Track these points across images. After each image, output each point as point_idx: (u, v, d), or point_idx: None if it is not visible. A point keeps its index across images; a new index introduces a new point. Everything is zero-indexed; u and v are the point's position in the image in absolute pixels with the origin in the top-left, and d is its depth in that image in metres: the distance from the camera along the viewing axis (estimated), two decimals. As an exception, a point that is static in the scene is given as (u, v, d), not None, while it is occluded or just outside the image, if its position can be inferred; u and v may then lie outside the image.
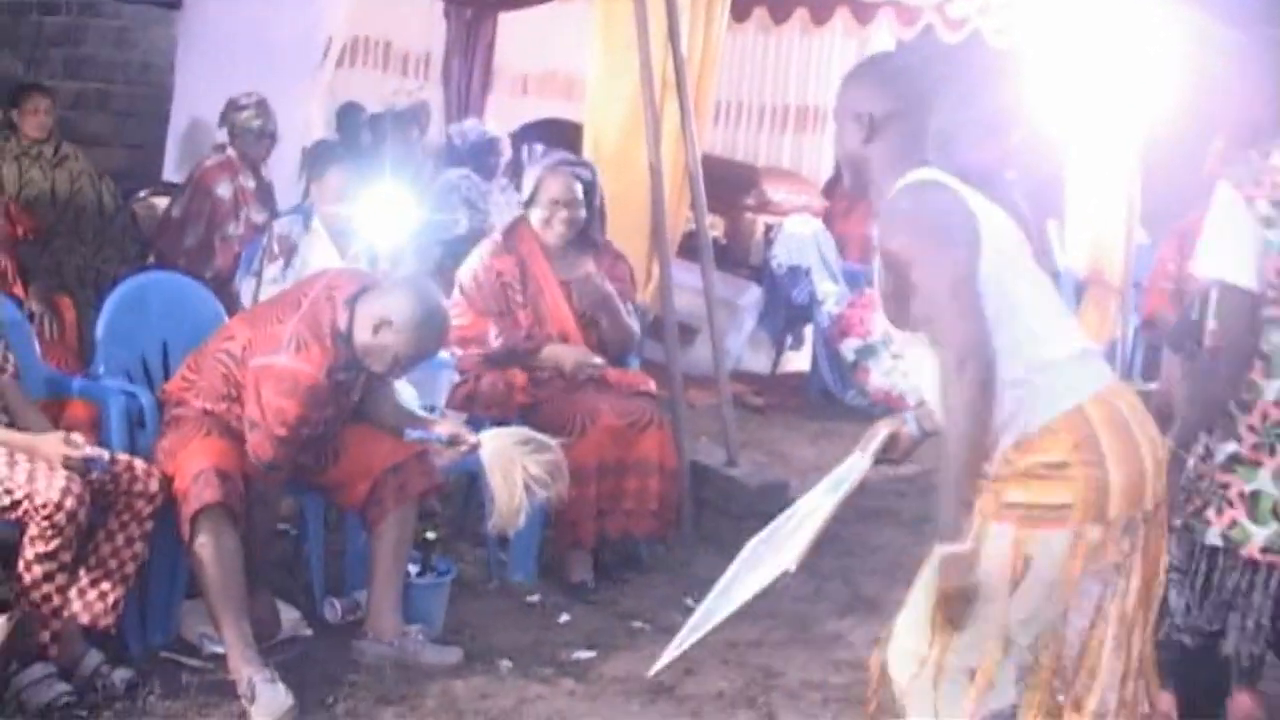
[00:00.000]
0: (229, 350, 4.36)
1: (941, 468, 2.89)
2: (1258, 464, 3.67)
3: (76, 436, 3.97)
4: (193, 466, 4.13)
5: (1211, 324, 3.84)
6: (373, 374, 4.40)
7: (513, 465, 4.41)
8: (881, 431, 3.24)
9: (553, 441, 4.53)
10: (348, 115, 8.18)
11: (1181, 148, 8.97)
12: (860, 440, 3.26)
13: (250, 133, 6.66)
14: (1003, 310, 2.88)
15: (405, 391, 5.06)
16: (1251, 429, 3.68)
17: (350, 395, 4.45)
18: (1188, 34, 8.81)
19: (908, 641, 3.08)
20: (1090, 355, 3.05)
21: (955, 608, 2.91)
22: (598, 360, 5.33)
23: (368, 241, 5.75)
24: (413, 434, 4.52)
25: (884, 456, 3.29)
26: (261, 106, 6.64)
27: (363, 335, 4.26)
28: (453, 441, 4.52)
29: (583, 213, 5.38)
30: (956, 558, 2.86)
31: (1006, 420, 2.89)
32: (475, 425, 4.83)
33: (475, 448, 4.48)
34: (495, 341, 5.28)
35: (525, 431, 4.57)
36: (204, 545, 4.08)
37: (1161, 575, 3.07)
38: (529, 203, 5.40)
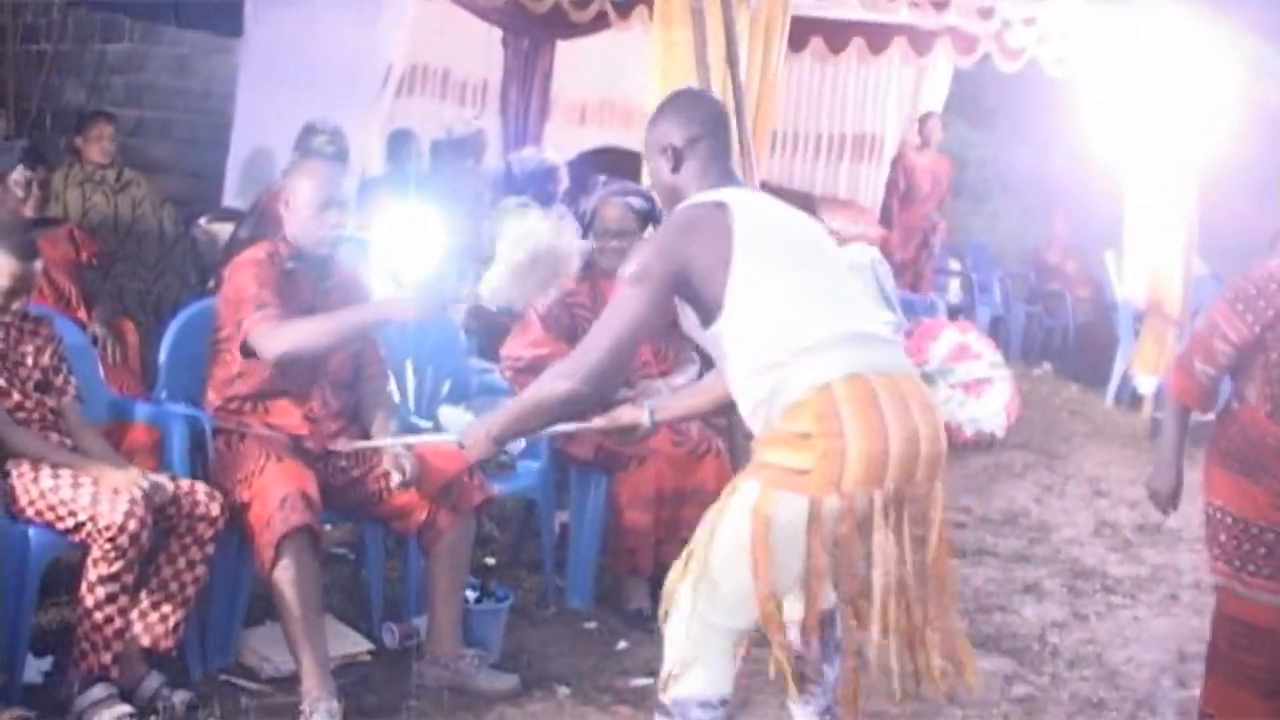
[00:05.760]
0: None
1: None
2: None
3: (152, 478, 4.01)
4: (276, 491, 4.12)
5: None
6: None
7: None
8: (624, 417, 3.80)
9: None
10: (397, 142, 8.21)
11: (1239, 178, 8.93)
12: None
13: (324, 157, 6.69)
14: (760, 299, 3.13)
15: (461, 418, 5.06)
16: None
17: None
18: (1245, 63, 8.78)
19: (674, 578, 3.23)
20: (861, 339, 3.17)
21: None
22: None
23: (425, 269, 5.75)
24: None
25: (623, 435, 3.85)
26: (337, 133, 6.69)
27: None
28: None
29: (638, 241, 5.40)
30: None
31: (766, 397, 3.13)
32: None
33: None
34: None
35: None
36: (288, 568, 4.06)
37: (942, 558, 3.18)
38: (585, 232, 5.43)
